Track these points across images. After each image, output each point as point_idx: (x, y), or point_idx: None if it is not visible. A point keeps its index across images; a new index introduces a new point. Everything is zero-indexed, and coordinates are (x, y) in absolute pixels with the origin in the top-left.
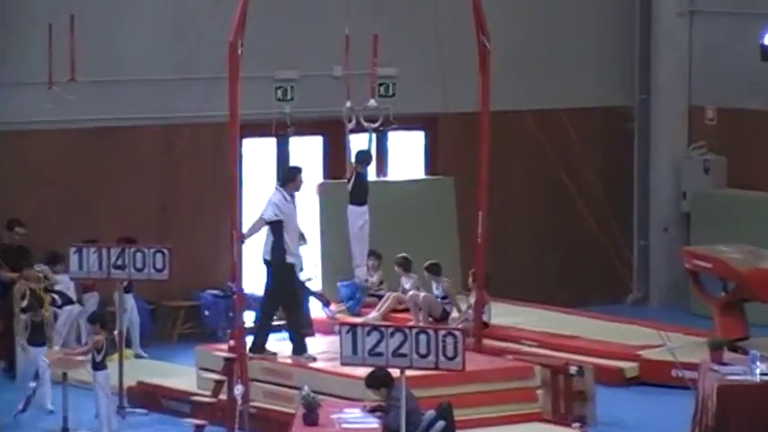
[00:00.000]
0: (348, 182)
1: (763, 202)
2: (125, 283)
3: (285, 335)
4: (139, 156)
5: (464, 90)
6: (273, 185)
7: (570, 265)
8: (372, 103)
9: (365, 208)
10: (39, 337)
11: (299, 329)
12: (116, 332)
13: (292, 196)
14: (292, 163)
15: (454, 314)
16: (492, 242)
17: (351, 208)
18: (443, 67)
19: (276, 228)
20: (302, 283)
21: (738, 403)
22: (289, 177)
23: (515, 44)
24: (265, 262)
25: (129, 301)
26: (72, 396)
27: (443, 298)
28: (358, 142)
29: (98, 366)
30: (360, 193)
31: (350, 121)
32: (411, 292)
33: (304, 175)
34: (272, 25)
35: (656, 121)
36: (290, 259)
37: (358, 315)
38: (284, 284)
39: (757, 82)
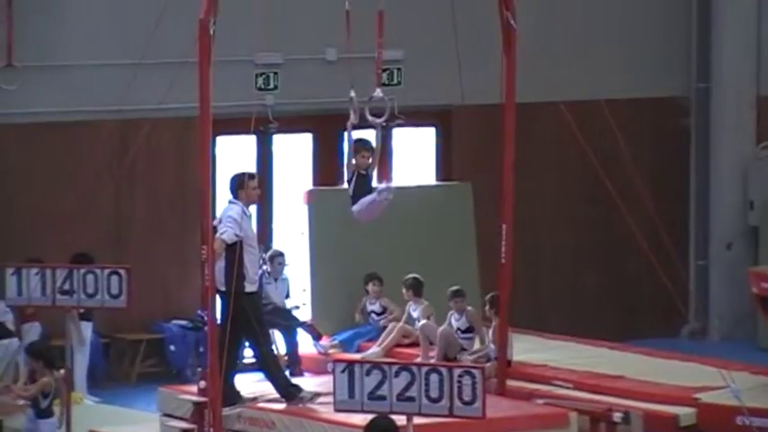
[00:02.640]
0: (348, 183)
1: None
2: (81, 309)
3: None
4: (90, 157)
5: (484, 77)
6: (227, 199)
7: (613, 290)
8: (378, 93)
9: None
10: None
11: (278, 367)
12: (62, 370)
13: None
14: (245, 169)
15: (476, 346)
16: (519, 262)
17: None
18: (459, 49)
19: (233, 250)
20: (289, 312)
21: None
22: (237, 186)
23: (547, 22)
24: (219, 292)
25: (88, 331)
26: None
27: (465, 330)
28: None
29: (43, 414)
30: (364, 196)
31: (354, 114)
32: (422, 322)
33: (257, 182)
34: None
35: (718, 114)
36: (249, 288)
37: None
38: (245, 318)
39: None
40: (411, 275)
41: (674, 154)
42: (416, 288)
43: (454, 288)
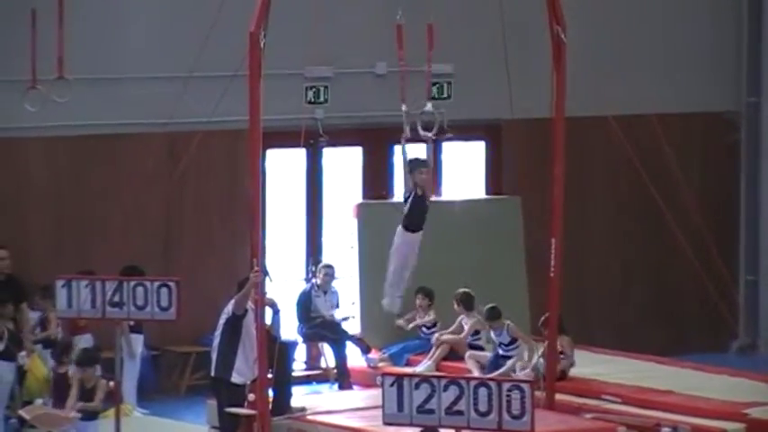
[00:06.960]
0: (405, 202)
1: None
2: (131, 322)
3: (313, 387)
4: (140, 169)
5: (534, 91)
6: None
7: (663, 305)
8: (429, 107)
9: (419, 235)
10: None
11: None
12: (111, 383)
13: None
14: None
15: (526, 356)
16: (568, 276)
17: (401, 231)
18: (509, 63)
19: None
20: (338, 325)
21: None
22: None
23: (596, 36)
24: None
25: (139, 343)
26: None
27: (508, 344)
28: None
29: (89, 415)
30: (417, 218)
31: (407, 128)
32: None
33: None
34: (302, 12)
35: None
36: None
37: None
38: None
39: None
40: (462, 290)
41: (723, 168)
42: (467, 302)
43: (488, 307)
